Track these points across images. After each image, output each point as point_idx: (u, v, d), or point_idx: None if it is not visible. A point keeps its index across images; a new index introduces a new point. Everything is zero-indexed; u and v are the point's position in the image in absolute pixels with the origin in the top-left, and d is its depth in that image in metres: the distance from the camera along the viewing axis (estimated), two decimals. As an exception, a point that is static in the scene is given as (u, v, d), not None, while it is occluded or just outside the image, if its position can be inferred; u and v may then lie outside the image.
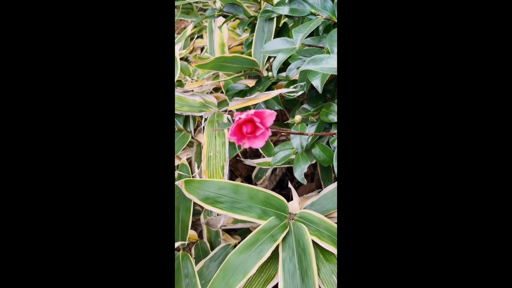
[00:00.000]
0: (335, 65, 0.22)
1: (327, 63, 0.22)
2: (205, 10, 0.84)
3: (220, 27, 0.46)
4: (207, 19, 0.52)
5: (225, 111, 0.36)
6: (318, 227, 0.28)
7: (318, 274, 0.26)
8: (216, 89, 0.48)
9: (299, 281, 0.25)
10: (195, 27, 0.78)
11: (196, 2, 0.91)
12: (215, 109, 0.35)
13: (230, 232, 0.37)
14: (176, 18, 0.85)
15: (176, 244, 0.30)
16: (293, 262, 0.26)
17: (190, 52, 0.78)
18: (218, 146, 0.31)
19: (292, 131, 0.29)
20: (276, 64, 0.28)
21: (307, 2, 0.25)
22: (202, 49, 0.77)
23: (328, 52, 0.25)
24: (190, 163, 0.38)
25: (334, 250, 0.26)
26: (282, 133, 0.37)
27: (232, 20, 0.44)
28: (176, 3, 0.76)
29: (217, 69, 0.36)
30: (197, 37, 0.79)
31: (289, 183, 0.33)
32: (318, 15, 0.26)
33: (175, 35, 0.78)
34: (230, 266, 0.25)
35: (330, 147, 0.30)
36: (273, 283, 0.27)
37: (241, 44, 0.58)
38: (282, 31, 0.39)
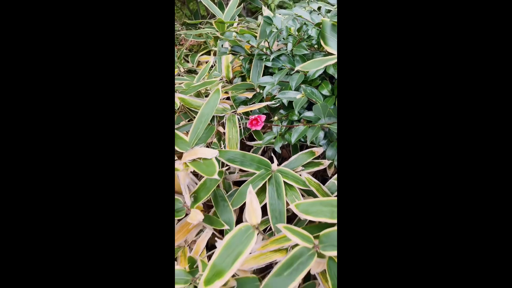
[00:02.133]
0: (295, 96, 0.48)
1: (290, 94, 0.48)
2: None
3: (231, 62, 0.71)
4: (215, 44, 0.77)
5: (234, 112, 0.61)
6: (287, 174, 0.53)
7: (286, 195, 0.51)
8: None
9: (276, 199, 0.51)
10: (204, 48, 1.01)
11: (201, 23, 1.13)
12: (230, 112, 0.60)
13: (238, 183, 0.62)
14: (181, 34, 1.06)
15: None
16: (273, 190, 0.51)
17: (198, 66, 1.02)
18: (233, 133, 0.56)
19: (273, 124, 0.55)
20: (266, 90, 0.54)
21: (280, 60, 0.51)
22: (207, 63, 1.00)
23: (290, 88, 0.51)
24: (210, 144, 0.63)
25: (294, 184, 0.52)
26: (268, 125, 0.63)
27: (237, 56, 0.69)
28: (184, 20, 0.99)
29: (232, 89, 0.61)
30: (203, 54, 1.02)
31: (272, 153, 0.59)
32: (286, 66, 0.52)
33: (180, 49, 1.00)
34: (240, 191, 0.51)
35: (292, 134, 0.56)
36: (264, 202, 0.52)
37: (240, 65, 0.83)
38: (268, 67, 0.65)
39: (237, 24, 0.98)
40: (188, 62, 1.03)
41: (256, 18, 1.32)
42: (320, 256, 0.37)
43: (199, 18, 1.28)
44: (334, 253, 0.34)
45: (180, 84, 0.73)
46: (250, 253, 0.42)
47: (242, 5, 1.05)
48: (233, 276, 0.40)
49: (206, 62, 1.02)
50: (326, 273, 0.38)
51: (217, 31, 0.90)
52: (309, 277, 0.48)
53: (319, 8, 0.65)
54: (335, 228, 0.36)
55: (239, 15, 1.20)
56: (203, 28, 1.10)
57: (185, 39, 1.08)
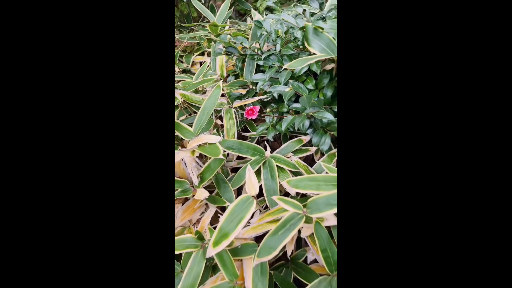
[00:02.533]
0: (285, 89, 0.56)
1: (279, 88, 0.55)
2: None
3: (226, 62, 0.78)
4: (210, 45, 0.84)
5: (231, 106, 0.68)
6: (279, 159, 0.61)
7: (278, 176, 0.59)
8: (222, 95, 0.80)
9: (270, 180, 0.58)
10: (197, 49, 1.08)
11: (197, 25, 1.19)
12: (227, 106, 0.67)
13: (235, 170, 0.69)
14: (178, 37, 1.12)
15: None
16: (267, 173, 0.59)
17: (192, 66, 1.08)
18: (231, 124, 0.63)
19: (266, 115, 0.62)
20: (258, 86, 0.61)
21: (270, 59, 0.59)
22: (200, 63, 1.06)
23: (279, 83, 0.59)
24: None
25: (285, 167, 0.59)
26: (261, 118, 0.70)
27: (231, 56, 0.76)
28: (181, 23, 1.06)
29: (228, 86, 0.68)
30: (198, 55, 1.09)
31: (265, 143, 0.66)
32: (275, 65, 0.59)
33: (178, 51, 1.06)
34: (239, 174, 0.58)
35: (283, 123, 0.64)
36: (260, 183, 0.60)
37: (233, 65, 0.90)
38: (259, 65, 0.72)
39: (229, 27, 1.05)
40: (182, 62, 1.09)
41: (245, 20, 1.39)
42: (308, 220, 0.44)
43: (191, 20, 1.34)
44: (319, 215, 0.42)
45: (177, 83, 0.79)
46: (249, 224, 0.49)
47: (232, 8, 1.12)
48: (235, 244, 0.48)
49: (200, 62, 1.08)
50: (314, 235, 0.45)
51: (210, 33, 0.97)
52: (300, 245, 0.56)
53: (304, 11, 0.72)
54: (320, 195, 0.44)
55: (230, 17, 1.27)
56: (197, 31, 1.16)
57: (180, 41, 1.14)
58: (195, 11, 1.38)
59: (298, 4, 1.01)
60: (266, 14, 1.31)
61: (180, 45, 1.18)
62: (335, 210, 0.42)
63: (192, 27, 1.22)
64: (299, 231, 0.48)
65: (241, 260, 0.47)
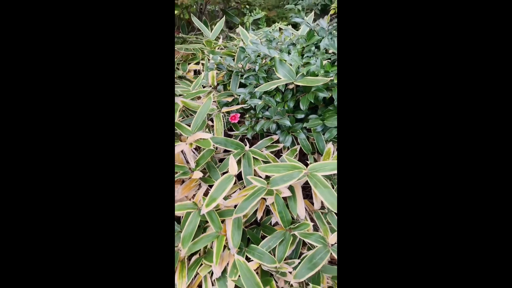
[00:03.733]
0: (258, 102, 0.77)
1: (255, 101, 0.77)
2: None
3: (217, 75, 0.99)
4: (205, 57, 1.04)
5: (220, 111, 0.89)
6: (255, 152, 0.82)
7: (254, 165, 0.80)
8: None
9: (247, 167, 0.80)
10: (192, 59, 1.27)
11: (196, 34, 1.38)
12: (216, 111, 0.87)
13: (221, 160, 0.90)
14: (177, 47, 1.31)
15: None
16: (245, 162, 0.80)
17: (187, 73, 1.28)
18: (219, 125, 0.84)
19: (246, 119, 0.84)
20: (241, 98, 0.82)
21: (250, 78, 0.80)
22: (195, 71, 1.26)
23: (255, 97, 0.80)
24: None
25: (259, 158, 0.81)
26: (243, 119, 0.91)
27: (221, 71, 0.96)
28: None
29: (218, 96, 0.89)
30: (195, 63, 1.27)
31: (245, 140, 0.88)
32: (253, 83, 0.81)
33: (176, 60, 1.25)
34: (225, 162, 0.79)
35: (258, 125, 0.85)
36: (240, 170, 0.81)
37: (222, 76, 1.10)
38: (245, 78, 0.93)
39: (222, 40, 1.25)
40: (179, 69, 1.28)
41: (234, 32, 1.58)
42: (270, 192, 0.66)
43: (186, 32, 1.52)
44: (277, 187, 0.64)
45: (176, 89, 0.99)
46: (231, 197, 0.70)
47: (223, 21, 1.31)
48: (221, 209, 0.68)
49: (194, 70, 1.28)
50: (274, 203, 0.67)
51: (204, 45, 1.16)
52: (269, 214, 0.77)
53: (280, 29, 0.93)
54: (278, 175, 0.65)
55: (222, 30, 1.46)
56: (191, 42, 1.35)
57: (178, 51, 1.32)
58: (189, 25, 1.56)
59: (278, 24, 1.22)
60: (252, 29, 1.51)
61: (178, 55, 1.36)
62: (287, 185, 0.64)
63: (188, 38, 1.40)
64: (266, 200, 0.70)
65: (224, 220, 0.68)
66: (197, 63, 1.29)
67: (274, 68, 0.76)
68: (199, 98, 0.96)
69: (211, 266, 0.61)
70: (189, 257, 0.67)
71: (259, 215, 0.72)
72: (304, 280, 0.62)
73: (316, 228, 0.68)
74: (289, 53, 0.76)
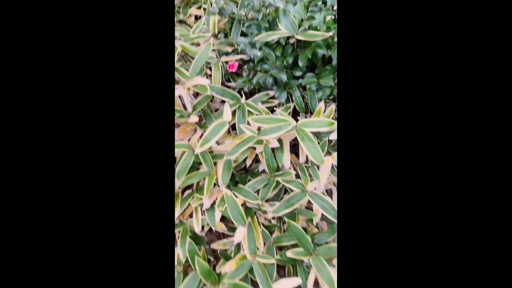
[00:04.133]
0: (257, 53, 0.77)
1: (254, 51, 0.77)
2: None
3: (219, 22, 0.95)
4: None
5: (219, 60, 0.89)
6: (250, 105, 0.85)
7: (248, 116, 0.84)
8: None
9: (242, 118, 0.83)
10: (194, 2, 1.20)
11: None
12: (216, 59, 0.87)
13: (217, 110, 0.93)
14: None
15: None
16: (240, 113, 0.83)
17: (188, 17, 1.23)
18: (217, 74, 0.85)
19: (244, 71, 0.85)
20: (241, 47, 0.82)
21: (252, 27, 0.79)
22: (196, 16, 1.20)
23: (255, 47, 0.80)
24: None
25: (253, 111, 0.84)
26: (241, 71, 0.92)
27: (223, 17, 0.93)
28: None
29: (218, 44, 0.88)
30: (198, 7, 1.21)
31: (242, 93, 0.90)
32: (254, 32, 0.80)
33: (179, 4, 1.19)
34: (220, 110, 0.82)
35: (255, 78, 0.86)
36: (234, 121, 0.84)
37: (224, 24, 1.07)
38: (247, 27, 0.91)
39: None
40: (180, 13, 1.22)
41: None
42: (259, 142, 0.71)
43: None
44: (266, 137, 0.69)
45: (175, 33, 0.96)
46: (224, 143, 0.76)
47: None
48: (214, 153, 0.74)
49: (196, 16, 1.22)
50: (263, 152, 0.73)
51: (207, -11, 1.09)
52: (258, 163, 0.84)
53: None
54: (268, 126, 0.70)
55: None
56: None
57: (178, -8, 1.24)
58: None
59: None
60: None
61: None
62: (277, 136, 0.69)
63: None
64: (255, 149, 0.75)
65: (216, 163, 0.74)
66: (199, 7, 1.22)
67: (277, 19, 0.74)
68: (198, 45, 0.95)
69: (201, 199, 0.68)
70: (183, 192, 0.74)
71: (248, 162, 0.78)
72: (282, 219, 0.72)
73: (298, 178, 0.75)
74: (295, 4, 0.74)
